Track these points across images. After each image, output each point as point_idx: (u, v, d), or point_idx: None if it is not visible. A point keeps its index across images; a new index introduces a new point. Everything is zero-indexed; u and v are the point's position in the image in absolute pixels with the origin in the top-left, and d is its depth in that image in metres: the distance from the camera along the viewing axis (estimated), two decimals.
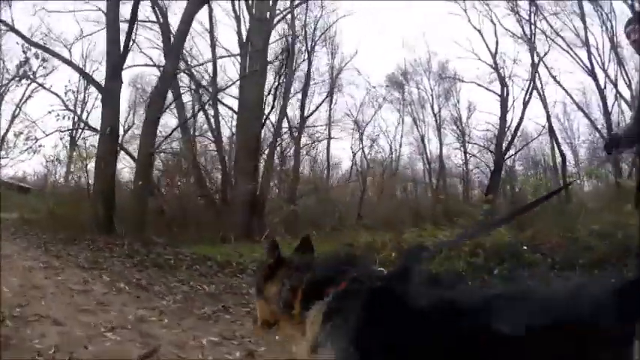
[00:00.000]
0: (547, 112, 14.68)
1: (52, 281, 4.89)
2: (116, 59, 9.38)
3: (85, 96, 16.89)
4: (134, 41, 10.40)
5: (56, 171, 15.57)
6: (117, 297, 4.40)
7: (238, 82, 12.79)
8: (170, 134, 11.80)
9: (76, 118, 13.08)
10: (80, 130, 13.03)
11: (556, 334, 1.12)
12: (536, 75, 14.76)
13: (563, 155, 14.70)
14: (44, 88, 11.49)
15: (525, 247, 6.47)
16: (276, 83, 13.03)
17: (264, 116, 12.96)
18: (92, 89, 16.08)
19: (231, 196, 12.68)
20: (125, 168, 13.72)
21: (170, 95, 12.07)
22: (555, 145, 14.98)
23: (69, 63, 10.93)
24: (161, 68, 12.65)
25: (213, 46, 14.91)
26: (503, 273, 5.66)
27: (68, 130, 12.06)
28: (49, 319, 3.38)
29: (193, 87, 14.00)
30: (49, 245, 8.00)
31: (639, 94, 3.18)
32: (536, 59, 14.76)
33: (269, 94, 12.84)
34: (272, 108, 13.12)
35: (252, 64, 12.40)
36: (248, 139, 12.32)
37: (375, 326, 1.28)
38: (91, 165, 10.96)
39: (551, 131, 15.29)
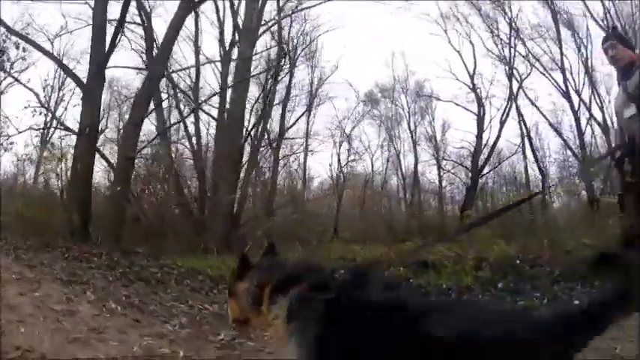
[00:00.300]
0: (527, 130, 14.80)
1: (29, 299, 4.02)
2: (100, 56, 8.49)
3: (59, 94, 15.43)
4: (123, 33, 9.43)
5: (25, 171, 14.06)
6: (110, 320, 3.62)
7: (218, 91, 12.04)
8: (154, 139, 10.84)
9: (49, 116, 11.92)
10: (54, 129, 11.79)
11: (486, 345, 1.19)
12: (514, 96, 14.77)
13: (542, 172, 14.81)
14: (19, 82, 10.29)
15: (519, 262, 6.33)
16: (268, 90, 12.33)
17: (249, 127, 12.27)
18: (69, 87, 14.82)
19: (210, 206, 11.89)
20: (98, 172, 12.58)
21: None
22: (536, 162, 15.01)
23: (51, 56, 9.86)
24: (143, 71, 11.85)
25: (197, 52, 14.12)
26: (509, 286, 5.50)
27: (43, 128, 10.90)
28: (36, 354, 2.62)
29: (175, 92, 13.09)
30: (20, 252, 6.97)
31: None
32: (515, 84, 14.79)
33: (256, 102, 12.15)
34: (261, 117, 12.39)
35: (238, 72, 11.68)
36: (230, 149, 11.60)
37: (330, 331, 1.33)
38: (63, 166, 9.82)
39: (527, 150, 15.38)
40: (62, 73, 12.86)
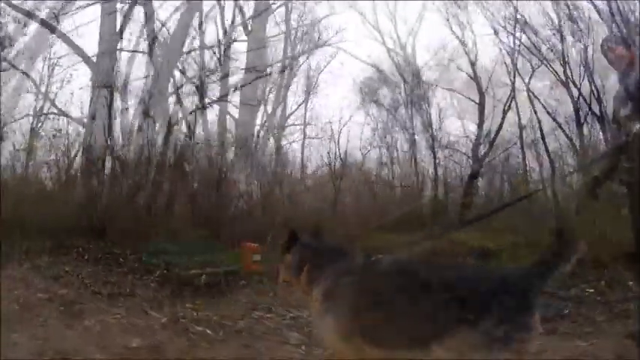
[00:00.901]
0: (539, 120, 13.97)
1: (85, 334, 2.82)
2: (112, 35, 7.19)
3: (49, 79, 13.53)
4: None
5: (17, 162, 12.23)
6: (214, 351, 2.56)
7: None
8: (173, 126, 9.50)
9: (44, 101, 10.32)
10: (45, 115, 10.23)
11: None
12: (514, 93, 13.95)
13: (552, 163, 14.03)
14: (16, 68, 8.66)
15: None
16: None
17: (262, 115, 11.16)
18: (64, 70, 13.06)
19: (224, 198, 10.74)
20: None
21: None
22: (546, 152, 14.26)
23: (60, 34, 8.35)
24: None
25: (202, 39, 12.67)
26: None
27: (41, 114, 9.44)
28: None
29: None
30: (32, 256, 5.68)
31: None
32: (522, 81, 13.98)
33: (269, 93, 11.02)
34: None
35: (250, 54, 10.41)
36: (244, 136, 10.46)
37: (362, 294, 1.67)
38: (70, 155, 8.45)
39: (526, 141, 14.67)
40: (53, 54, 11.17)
